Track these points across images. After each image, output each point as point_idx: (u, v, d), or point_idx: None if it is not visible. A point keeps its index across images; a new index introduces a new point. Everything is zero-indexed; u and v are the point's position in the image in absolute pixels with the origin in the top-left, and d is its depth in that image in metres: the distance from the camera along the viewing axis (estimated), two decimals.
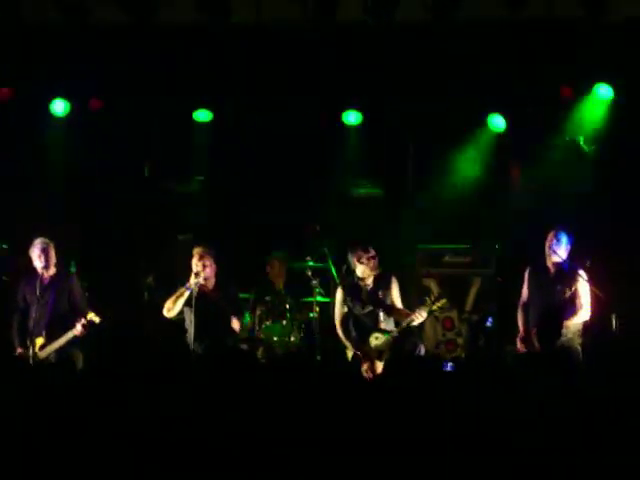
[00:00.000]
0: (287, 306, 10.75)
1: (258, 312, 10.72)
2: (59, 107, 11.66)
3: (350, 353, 9.59)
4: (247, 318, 10.42)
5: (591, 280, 9.46)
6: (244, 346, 10.21)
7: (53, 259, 9.70)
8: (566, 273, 9.55)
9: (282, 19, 10.85)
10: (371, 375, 9.18)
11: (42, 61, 11.19)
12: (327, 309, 10.73)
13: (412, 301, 11.43)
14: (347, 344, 9.63)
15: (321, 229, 11.02)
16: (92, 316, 9.38)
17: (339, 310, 9.75)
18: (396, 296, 9.67)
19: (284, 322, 10.66)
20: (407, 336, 9.52)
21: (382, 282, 9.67)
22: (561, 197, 11.31)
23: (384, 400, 5.13)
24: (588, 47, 10.75)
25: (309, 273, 10.85)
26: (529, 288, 9.69)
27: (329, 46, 11.07)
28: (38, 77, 11.30)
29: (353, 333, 9.63)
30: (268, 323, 10.64)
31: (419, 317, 9.36)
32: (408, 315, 9.42)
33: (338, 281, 10.37)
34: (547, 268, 9.63)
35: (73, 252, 10.32)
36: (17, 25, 10.80)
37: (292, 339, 10.61)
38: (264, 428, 4.80)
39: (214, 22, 10.70)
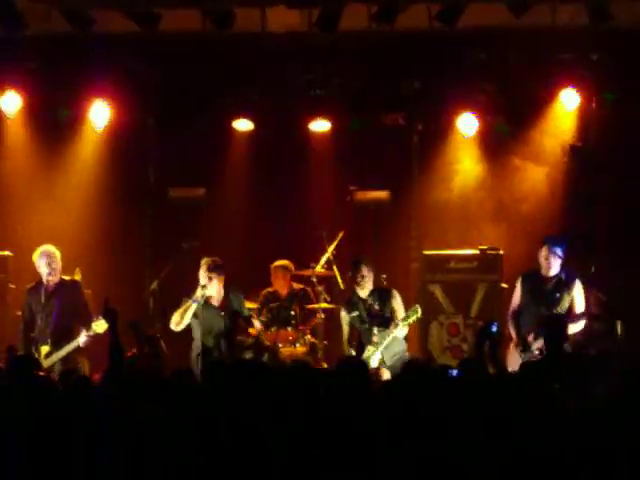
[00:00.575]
0: (292, 313, 10.77)
1: (263, 320, 10.73)
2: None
3: None
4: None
5: (594, 287, 9.49)
6: (249, 353, 10.23)
7: (59, 267, 9.71)
8: (563, 282, 9.57)
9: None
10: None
11: (47, 69, 11.22)
12: (332, 316, 10.74)
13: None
14: None
15: (326, 235, 11.00)
16: (97, 324, 9.36)
17: (344, 329, 9.91)
18: (397, 309, 9.73)
19: (289, 329, 10.67)
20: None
21: (381, 297, 9.77)
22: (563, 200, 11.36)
23: (391, 409, 5.13)
24: None
25: (314, 280, 10.86)
26: (523, 296, 9.69)
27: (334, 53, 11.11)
28: (43, 85, 11.32)
29: (352, 350, 9.78)
30: (273, 330, 10.66)
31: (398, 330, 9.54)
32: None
33: (343, 287, 10.44)
34: (542, 277, 9.63)
35: (78, 260, 10.31)
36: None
37: (298, 346, 10.62)
38: (270, 437, 4.80)
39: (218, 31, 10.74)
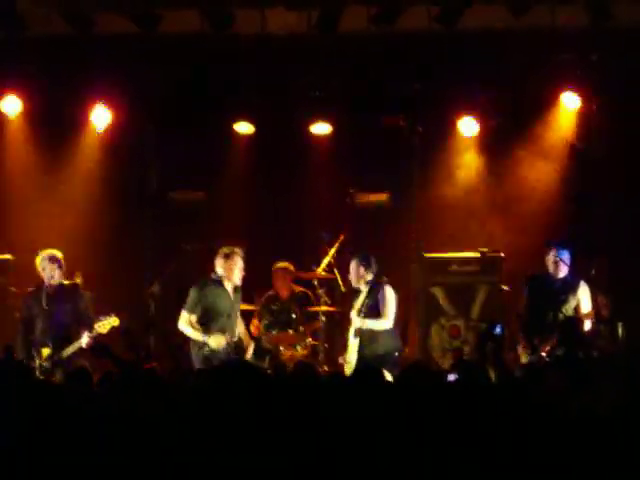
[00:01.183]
0: (293, 316, 10.77)
1: (264, 322, 10.73)
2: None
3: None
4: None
5: (595, 288, 9.51)
6: (251, 354, 10.25)
7: (61, 271, 9.72)
8: (569, 284, 9.60)
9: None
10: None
11: (47, 72, 11.22)
12: (333, 318, 10.74)
13: (420, 310, 11.50)
14: None
15: (327, 237, 10.99)
16: (98, 327, 9.38)
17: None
18: (385, 304, 9.75)
19: (290, 332, 10.67)
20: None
21: (373, 292, 9.80)
22: (563, 201, 11.36)
23: (392, 411, 5.11)
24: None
25: (315, 282, 10.85)
26: (530, 300, 9.72)
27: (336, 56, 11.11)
28: (43, 88, 11.32)
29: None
30: (274, 332, 10.66)
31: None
32: None
33: (344, 289, 10.46)
34: (549, 280, 9.67)
35: (79, 262, 10.31)
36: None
37: (298, 349, 10.61)
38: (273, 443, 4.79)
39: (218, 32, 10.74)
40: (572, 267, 9.73)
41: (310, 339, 10.73)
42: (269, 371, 9.65)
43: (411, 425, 4.88)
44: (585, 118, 11.42)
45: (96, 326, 9.37)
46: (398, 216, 12.01)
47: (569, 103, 11.36)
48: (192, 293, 9.60)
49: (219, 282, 9.61)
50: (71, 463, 4.68)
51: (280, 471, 4.28)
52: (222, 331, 9.49)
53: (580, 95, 11.24)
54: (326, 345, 10.82)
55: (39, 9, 10.75)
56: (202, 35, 10.90)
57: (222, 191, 12.01)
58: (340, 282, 10.77)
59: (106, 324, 9.36)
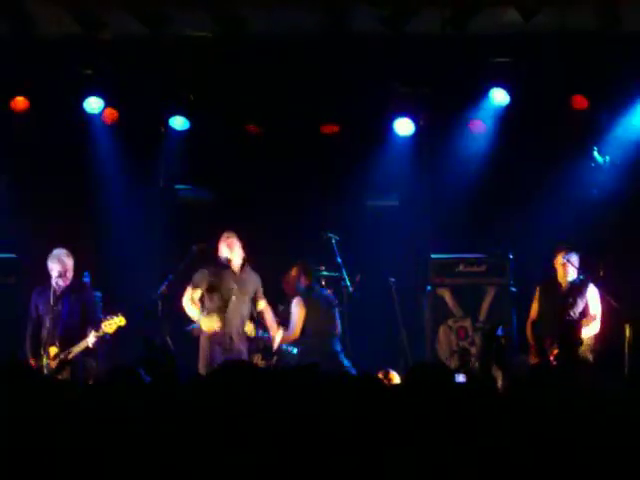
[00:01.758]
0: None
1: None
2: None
3: None
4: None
5: (604, 290, 9.53)
6: (258, 356, 10.25)
7: (70, 269, 9.76)
8: (577, 286, 9.65)
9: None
10: None
11: (57, 74, 11.27)
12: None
13: (427, 312, 11.49)
14: None
15: (336, 239, 10.99)
16: (106, 325, 9.42)
17: None
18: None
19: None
20: None
21: None
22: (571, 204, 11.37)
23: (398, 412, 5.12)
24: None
25: (323, 282, 10.86)
26: (541, 304, 9.80)
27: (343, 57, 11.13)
28: (54, 89, 11.37)
29: None
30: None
31: None
32: None
33: (351, 290, 10.49)
34: (558, 283, 9.75)
35: (87, 262, 10.34)
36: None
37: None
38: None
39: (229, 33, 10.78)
40: (582, 270, 9.78)
41: None
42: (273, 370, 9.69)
43: (417, 425, 4.89)
44: (590, 119, 11.43)
45: (103, 325, 9.41)
46: (405, 217, 11.99)
47: (576, 105, 11.38)
48: (199, 272, 10.01)
49: (226, 265, 9.95)
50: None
51: (280, 471, 4.30)
52: (221, 312, 9.76)
53: (587, 97, 11.28)
54: None
55: (49, 9, 10.80)
56: (212, 37, 10.95)
57: (231, 191, 12.05)
58: (348, 282, 10.74)
59: (113, 324, 9.40)
